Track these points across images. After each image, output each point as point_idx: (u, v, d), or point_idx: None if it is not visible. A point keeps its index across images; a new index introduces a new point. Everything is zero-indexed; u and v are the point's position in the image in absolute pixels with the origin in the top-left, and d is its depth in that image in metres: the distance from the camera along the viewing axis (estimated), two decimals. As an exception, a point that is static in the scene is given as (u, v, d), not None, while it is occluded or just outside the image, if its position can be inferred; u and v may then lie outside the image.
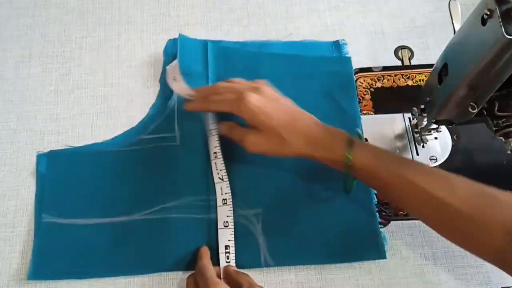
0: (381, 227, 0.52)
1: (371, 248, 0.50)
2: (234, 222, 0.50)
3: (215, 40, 0.61)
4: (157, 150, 0.54)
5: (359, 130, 0.51)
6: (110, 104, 0.59)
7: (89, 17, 0.64)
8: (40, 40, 0.63)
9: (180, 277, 0.50)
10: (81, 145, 0.56)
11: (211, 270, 0.46)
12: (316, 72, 0.58)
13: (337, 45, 0.61)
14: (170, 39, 0.61)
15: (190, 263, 0.49)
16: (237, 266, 0.49)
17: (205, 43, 0.60)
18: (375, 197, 0.52)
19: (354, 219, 0.51)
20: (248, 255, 0.50)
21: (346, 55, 0.60)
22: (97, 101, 0.59)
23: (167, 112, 0.56)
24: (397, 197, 0.45)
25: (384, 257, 0.50)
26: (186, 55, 0.58)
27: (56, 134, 0.57)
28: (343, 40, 0.61)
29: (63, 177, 0.54)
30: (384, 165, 0.44)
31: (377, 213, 0.52)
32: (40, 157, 0.55)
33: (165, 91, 0.58)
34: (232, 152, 0.53)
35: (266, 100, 0.47)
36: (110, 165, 0.54)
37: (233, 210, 0.51)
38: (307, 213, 0.52)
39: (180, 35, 0.60)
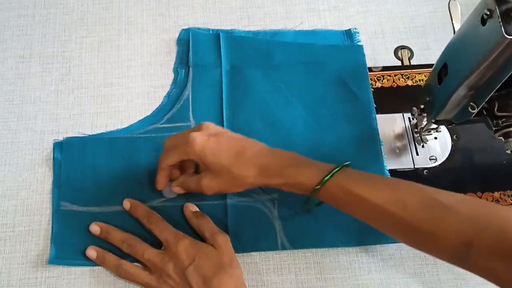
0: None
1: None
2: (250, 207, 0.51)
3: (227, 30, 0.62)
4: None
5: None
6: (110, 104, 0.59)
7: (89, 17, 0.64)
8: (40, 40, 0.63)
9: (180, 277, 0.50)
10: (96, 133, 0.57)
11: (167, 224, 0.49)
12: (329, 60, 0.59)
13: (349, 34, 0.61)
14: (183, 29, 0.62)
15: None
16: (250, 247, 0.51)
17: (217, 33, 0.61)
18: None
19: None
20: (265, 239, 0.51)
21: (358, 43, 0.60)
22: (97, 101, 0.59)
23: (181, 101, 0.57)
24: (353, 213, 0.45)
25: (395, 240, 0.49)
26: (198, 47, 0.60)
27: (56, 134, 0.57)
28: (355, 28, 0.61)
29: (79, 164, 0.54)
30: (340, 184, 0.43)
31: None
32: (56, 145, 0.56)
33: (180, 80, 0.59)
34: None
35: (210, 137, 0.46)
36: (125, 152, 0.55)
37: (249, 196, 0.52)
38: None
39: (190, 28, 0.61)
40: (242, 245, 0.50)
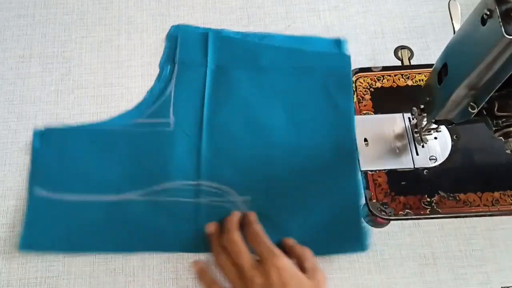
0: (381, 226, 0.52)
1: (353, 241, 0.51)
2: (222, 207, 0.52)
3: (216, 29, 0.62)
4: (151, 134, 0.56)
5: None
6: (110, 104, 0.59)
7: (89, 17, 0.64)
8: (40, 40, 0.63)
9: (180, 277, 0.50)
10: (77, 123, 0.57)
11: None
12: (315, 66, 0.59)
13: (337, 42, 0.61)
14: (173, 25, 0.62)
15: (175, 245, 0.51)
16: None
17: (205, 31, 0.61)
18: (362, 190, 0.53)
19: (339, 211, 0.52)
20: None
21: (346, 53, 0.60)
22: (97, 101, 0.59)
23: (163, 97, 0.57)
24: None
25: (366, 248, 0.50)
26: (186, 44, 0.60)
27: (56, 134, 0.57)
28: (344, 37, 0.61)
29: (58, 153, 0.55)
30: None
31: (362, 206, 0.52)
32: (36, 133, 0.56)
33: (164, 76, 0.59)
34: (222, 137, 0.55)
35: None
36: (104, 144, 0.55)
37: (222, 196, 0.52)
38: (293, 203, 0.52)
39: (180, 25, 0.62)
40: (208, 246, 0.50)
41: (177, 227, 0.51)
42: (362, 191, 0.52)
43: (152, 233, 0.51)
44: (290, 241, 0.50)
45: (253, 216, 0.50)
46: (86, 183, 0.53)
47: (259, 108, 0.57)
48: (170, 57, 0.60)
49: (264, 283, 0.43)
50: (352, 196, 0.52)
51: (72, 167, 0.54)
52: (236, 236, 0.48)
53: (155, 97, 0.58)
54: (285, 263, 0.44)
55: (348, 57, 0.60)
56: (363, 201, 0.52)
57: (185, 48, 0.60)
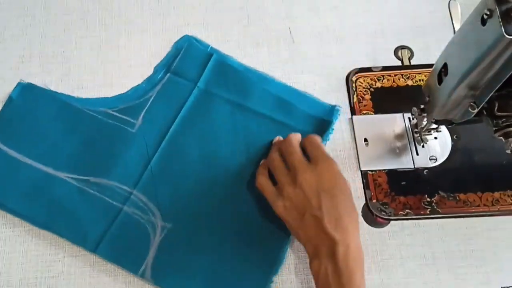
0: (381, 226, 0.52)
1: None
2: (139, 223, 0.52)
3: (222, 54, 0.61)
4: (113, 128, 0.56)
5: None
6: (110, 104, 0.59)
7: (89, 17, 0.64)
8: (40, 40, 0.63)
9: (180, 277, 0.50)
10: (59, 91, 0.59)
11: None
12: (296, 128, 0.56)
13: (331, 110, 0.58)
14: (187, 34, 0.62)
15: (78, 237, 0.51)
16: (114, 259, 0.50)
17: (211, 53, 0.60)
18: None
19: (250, 269, 0.50)
20: (131, 259, 0.50)
21: (334, 121, 0.57)
22: (97, 101, 0.59)
23: (142, 98, 0.58)
24: None
25: None
26: (187, 57, 0.60)
27: (56, 134, 0.57)
28: (339, 106, 0.58)
29: (26, 109, 0.57)
30: None
31: (278, 267, 0.50)
32: (20, 84, 0.58)
33: (154, 79, 0.59)
34: (175, 159, 0.55)
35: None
36: (69, 119, 0.57)
37: (146, 213, 0.52)
38: (208, 248, 0.51)
39: (192, 37, 0.62)
40: (108, 252, 0.50)
41: (90, 221, 0.52)
42: (279, 264, 0.50)
43: (66, 216, 0.52)
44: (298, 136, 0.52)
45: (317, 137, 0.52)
46: (35, 148, 0.55)
47: (223, 145, 0.55)
48: (167, 64, 0.60)
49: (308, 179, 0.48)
50: (267, 265, 0.50)
51: (31, 128, 0.56)
52: (294, 140, 0.51)
53: (135, 96, 0.58)
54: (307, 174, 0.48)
55: (333, 129, 0.57)
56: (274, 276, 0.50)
57: (185, 60, 0.60)
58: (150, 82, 0.59)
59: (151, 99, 0.58)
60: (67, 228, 0.51)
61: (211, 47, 0.61)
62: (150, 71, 0.60)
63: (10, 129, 0.56)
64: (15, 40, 0.63)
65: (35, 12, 0.65)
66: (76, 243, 0.51)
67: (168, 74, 0.59)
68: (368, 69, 0.60)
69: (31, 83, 0.59)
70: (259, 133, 0.56)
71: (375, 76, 0.59)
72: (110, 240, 0.51)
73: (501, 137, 0.43)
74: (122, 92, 0.59)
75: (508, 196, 0.53)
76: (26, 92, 0.58)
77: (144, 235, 0.51)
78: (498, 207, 0.52)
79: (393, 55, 0.61)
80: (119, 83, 0.60)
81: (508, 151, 0.43)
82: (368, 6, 0.65)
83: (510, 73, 0.37)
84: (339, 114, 0.57)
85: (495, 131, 0.43)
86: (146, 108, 0.57)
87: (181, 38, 0.62)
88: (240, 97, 0.58)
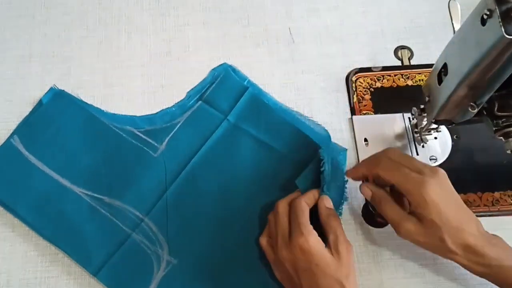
0: (381, 226, 0.52)
1: None
2: (145, 253, 0.50)
3: (257, 88, 0.59)
4: (136, 150, 0.55)
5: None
6: (110, 104, 0.59)
7: (89, 17, 0.64)
8: (40, 40, 0.63)
9: (180, 277, 0.50)
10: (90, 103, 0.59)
11: (306, 214, 0.46)
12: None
13: (343, 151, 0.55)
14: (226, 63, 0.60)
15: (81, 256, 0.50)
16: (116, 284, 0.49)
17: (245, 87, 0.58)
18: None
19: None
20: (131, 287, 0.49)
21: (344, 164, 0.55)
22: (97, 101, 0.59)
23: (169, 124, 0.57)
24: None
25: None
26: (221, 86, 0.58)
27: (56, 134, 0.57)
28: (346, 148, 0.56)
29: (53, 116, 0.57)
30: None
31: None
32: (52, 90, 0.59)
33: (184, 105, 0.58)
34: (192, 192, 0.53)
35: (442, 194, 0.43)
36: (93, 133, 0.56)
37: (154, 244, 0.51)
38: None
39: (231, 67, 0.60)
40: (109, 279, 0.49)
41: (96, 243, 0.51)
42: None
43: (72, 233, 0.51)
44: (322, 206, 0.47)
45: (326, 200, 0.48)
46: (55, 157, 0.54)
47: (242, 185, 0.53)
48: (200, 91, 0.58)
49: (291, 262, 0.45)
50: None
51: (55, 137, 0.56)
52: (297, 207, 0.47)
53: (163, 120, 0.57)
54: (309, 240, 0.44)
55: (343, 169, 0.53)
56: None
57: (218, 90, 0.58)
58: (180, 107, 0.58)
59: (178, 125, 0.56)
60: (72, 246, 0.51)
61: (249, 80, 0.59)
62: (150, 71, 0.60)
63: (35, 134, 0.56)
64: (15, 40, 0.63)
65: (35, 12, 0.65)
66: (79, 263, 0.50)
67: (200, 102, 0.58)
68: (368, 69, 0.60)
69: (63, 90, 0.58)
70: (282, 177, 0.53)
71: (375, 76, 0.59)
72: (113, 266, 0.50)
73: (501, 137, 0.43)
74: (149, 113, 0.58)
75: (508, 196, 0.53)
76: (57, 99, 0.58)
77: (148, 267, 0.50)
78: (498, 207, 0.52)
79: (393, 55, 0.61)
80: (119, 83, 0.60)
81: (508, 151, 0.43)
82: (368, 6, 0.65)
83: (510, 73, 0.37)
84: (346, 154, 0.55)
85: (495, 131, 0.43)
86: (172, 134, 0.56)
87: (219, 66, 0.60)
88: (268, 137, 0.55)
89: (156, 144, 0.55)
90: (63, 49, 0.62)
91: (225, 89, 0.58)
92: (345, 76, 0.60)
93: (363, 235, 0.52)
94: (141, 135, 0.56)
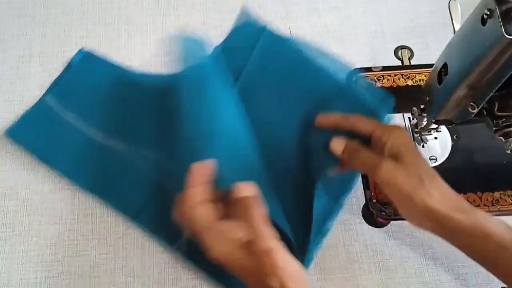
0: (381, 226, 0.52)
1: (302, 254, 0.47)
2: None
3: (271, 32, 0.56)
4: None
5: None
6: (110, 104, 0.59)
7: (89, 17, 0.64)
8: (40, 40, 0.63)
9: (180, 277, 0.50)
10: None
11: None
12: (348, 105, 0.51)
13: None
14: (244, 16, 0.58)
15: (128, 209, 0.52)
16: (153, 229, 0.51)
17: (261, 29, 0.56)
18: None
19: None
20: (169, 230, 0.48)
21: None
22: (97, 101, 0.59)
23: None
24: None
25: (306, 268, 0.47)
26: (240, 32, 0.58)
27: (56, 134, 0.57)
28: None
29: (85, 77, 0.59)
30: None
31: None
32: (81, 51, 0.61)
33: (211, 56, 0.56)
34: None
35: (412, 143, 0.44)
36: (125, 88, 0.58)
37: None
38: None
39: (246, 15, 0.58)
40: (147, 222, 0.51)
41: (132, 191, 0.52)
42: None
43: (109, 183, 0.53)
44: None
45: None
46: (89, 112, 0.56)
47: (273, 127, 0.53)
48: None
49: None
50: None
51: (88, 93, 0.58)
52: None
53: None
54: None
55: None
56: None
57: (237, 35, 0.58)
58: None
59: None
60: (110, 193, 0.53)
61: (259, 24, 0.57)
62: (150, 71, 0.60)
63: (68, 93, 0.58)
64: (15, 40, 0.63)
65: (35, 12, 0.65)
66: (118, 210, 0.52)
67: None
68: (368, 69, 0.59)
69: (90, 52, 0.60)
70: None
71: (375, 76, 0.59)
72: (150, 212, 0.52)
73: (501, 137, 0.43)
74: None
75: (508, 196, 0.53)
76: (86, 59, 0.60)
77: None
78: (498, 207, 0.52)
79: (393, 55, 0.61)
80: (119, 83, 0.60)
81: (508, 151, 0.43)
82: (368, 7, 0.65)
83: (510, 73, 0.37)
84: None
85: (495, 131, 0.43)
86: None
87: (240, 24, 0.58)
88: (288, 73, 0.54)
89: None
90: (63, 49, 0.62)
91: (242, 35, 0.58)
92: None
93: (363, 235, 0.52)
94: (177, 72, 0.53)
